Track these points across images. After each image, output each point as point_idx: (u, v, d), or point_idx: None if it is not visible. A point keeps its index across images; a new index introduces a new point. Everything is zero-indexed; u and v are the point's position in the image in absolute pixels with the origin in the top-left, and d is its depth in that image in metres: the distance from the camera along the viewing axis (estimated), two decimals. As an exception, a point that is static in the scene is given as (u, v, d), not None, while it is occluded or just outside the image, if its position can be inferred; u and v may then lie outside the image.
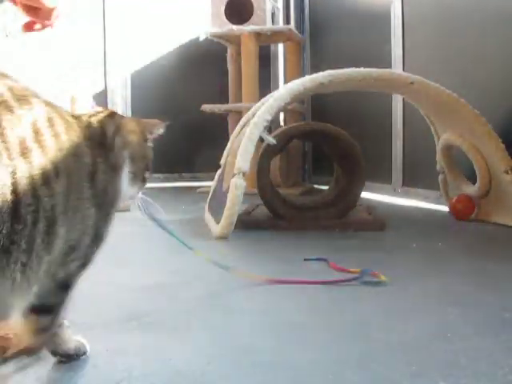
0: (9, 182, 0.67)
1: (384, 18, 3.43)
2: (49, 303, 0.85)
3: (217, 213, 2.22)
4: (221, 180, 2.46)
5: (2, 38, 4.18)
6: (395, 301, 1.31)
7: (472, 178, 2.55)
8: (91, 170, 0.83)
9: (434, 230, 2.35)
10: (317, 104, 4.37)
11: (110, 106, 4.49)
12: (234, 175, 2.07)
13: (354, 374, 0.88)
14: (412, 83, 2.29)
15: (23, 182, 0.69)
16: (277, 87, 4.61)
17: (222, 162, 2.67)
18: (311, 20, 4.54)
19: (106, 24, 4.47)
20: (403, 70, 3.24)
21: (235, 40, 3.96)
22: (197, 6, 4.66)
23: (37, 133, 0.73)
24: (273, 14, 4.03)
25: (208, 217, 2.40)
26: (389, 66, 3.31)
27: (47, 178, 0.72)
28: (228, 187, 2.10)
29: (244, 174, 2.07)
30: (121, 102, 4.55)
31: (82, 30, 4.42)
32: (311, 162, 4.60)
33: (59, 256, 0.78)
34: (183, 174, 4.40)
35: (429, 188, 3.09)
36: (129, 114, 4.55)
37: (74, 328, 1.11)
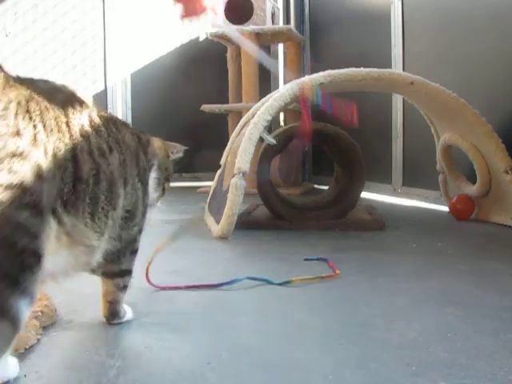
0: (69, 155, 0.86)
1: (384, 18, 3.43)
2: (125, 267, 1.10)
3: (217, 213, 2.22)
4: (221, 180, 2.46)
5: (2, 37, 4.18)
6: (395, 301, 1.31)
7: (472, 178, 2.55)
8: (136, 155, 1.05)
9: (434, 230, 2.35)
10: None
11: (110, 106, 4.49)
12: (234, 175, 2.07)
13: (353, 374, 0.88)
14: (412, 83, 2.29)
15: (83, 154, 0.89)
16: (277, 87, 4.61)
17: (222, 161, 2.67)
18: (311, 20, 4.54)
19: (106, 24, 4.47)
20: (403, 70, 3.24)
21: (235, 40, 3.96)
22: (197, 6, 4.66)
23: (92, 122, 0.94)
24: (273, 14, 4.03)
25: (208, 217, 2.40)
26: (389, 66, 3.31)
27: (103, 152, 0.93)
28: (228, 187, 2.10)
29: (244, 174, 2.07)
30: (121, 102, 4.56)
31: (82, 29, 4.42)
32: (311, 162, 4.60)
33: (121, 219, 1.00)
34: (183, 174, 4.40)
35: (429, 188, 3.09)
36: (129, 114, 4.56)
37: (74, 328, 1.11)
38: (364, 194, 2.62)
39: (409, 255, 1.82)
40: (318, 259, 1.65)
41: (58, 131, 0.86)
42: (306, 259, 1.66)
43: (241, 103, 3.91)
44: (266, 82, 4.45)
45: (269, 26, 3.90)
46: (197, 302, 1.30)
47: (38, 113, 0.84)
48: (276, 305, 1.28)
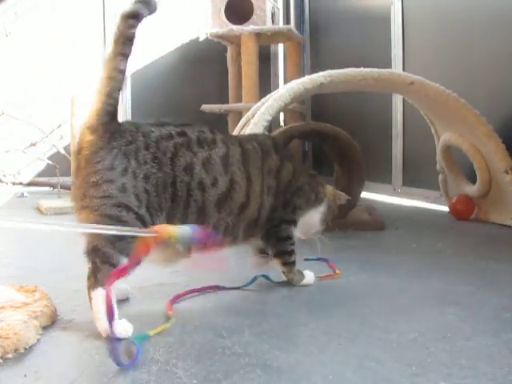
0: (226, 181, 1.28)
1: (384, 19, 3.43)
2: (283, 249, 1.42)
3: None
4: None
5: (2, 38, 4.18)
6: (395, 301, 1.31)
7: (472, 178, 2.55)
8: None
9: (434, 230, 2.35)
10: (317, 104, 4.37)
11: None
12: (234, 175, 2.07)
13: (354, 374, 0.88)
14: (412, 83, 2.29)
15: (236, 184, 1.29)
16: (277, 87, 4.60)
17: (222, 162, 2.66)
18: (311, 20, 4.54)
19: (106, 24, 4.46)
20: (403, 70, 3.24)
21: (235, 40, 3.96)
22: (197, 6, 4.66)
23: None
24: (273, 14, 4.03)
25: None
26: (389, 66, 3.31)
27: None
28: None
29: (244, 174, 2.06)
30: (121, 102, 4.55)
31: (81, 29, 4.42)
32: (311, 162, 4.60)
33: (248, 226, 1.34)
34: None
35: (429, 188, 3.09)
36: (129, 113, 4.56)
37: (74, 328, 1.11)
38: (364, 194, 2.62)
39: (409, 255, 1.82)
40: (318, 259, 1.65)
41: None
42: (305, 259, 1.66)
43: (241, 103, 3.91)
44: (266, 82, 4.45)
45: (269, 26, 3.90)
46: (197, 302, 1.30)
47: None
48: (276, 305, 1.28)
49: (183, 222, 1.19)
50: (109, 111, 1.17)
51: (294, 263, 1.43)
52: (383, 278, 1.51)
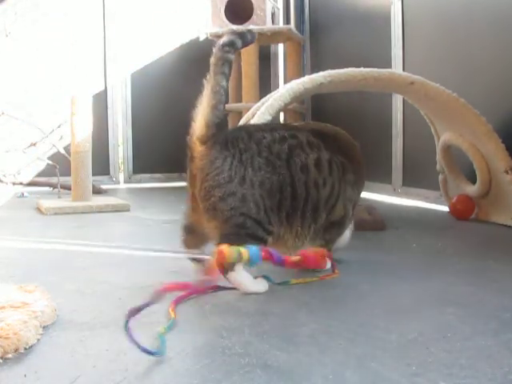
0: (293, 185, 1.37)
1: (384, 18, 3.43)
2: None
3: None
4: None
5: (2, 38, 4.18)
6: (395, 301, 1.31)
7: (472, 178, 2.55)
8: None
9: (434, 230, 2.35)
10: (317, 104, 4.37)
11: (110, 106, 4.49)
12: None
13: (354, 374, 0.88)
14: (412, 83, 2.29)
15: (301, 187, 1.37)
16: (277, 87, 4.61)
17: (222, 161, 2.66)
18: (311, 20, 4.54)
19: (106, 24, 4.46)
20: (403, 70, 3.24)
21: (235, 40, 3.96)
22: (197, 5, 4.66)
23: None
24: (273, 14, 4.03)
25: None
26: (389, 66, 3.31)
27: (317, 184, 1.38)
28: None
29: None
30: (121, 102, 4.55)
31: (81, 29, 4.42)
32: (311, 162, 4.60)
33: (329, 225, 1.47)
34: (183, 173, 4.38)
35: (429, 188, 3.09)
36: (129, 114, 4.56)
37: (74, 328, 1.11)
38: (364, 194, 2.62)
39: (409, 255, 1.82)
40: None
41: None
42: None
43: (241, 103, 3.91)
44: (266, 82, 4.45)
45: (269, 26, 3.90)
46: (197, 302, 1.30)
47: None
48: (276, 305, 1.28)
49: (302, 220, 1.37)
50: (216, 122, 1.31)
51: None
52: (383, 278, 1.51)
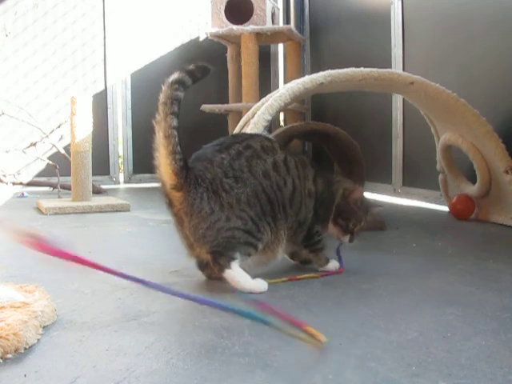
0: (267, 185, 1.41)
1: (384, 18, 3.43)
2: (313, 243, 1.54)
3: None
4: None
5: (2, 38, 4.18)
6: (395, 301, 1.31)
7: (472, 178, 2.55)
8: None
9: (434, 230, 2.35)
10: (317, 104, 4.37)
11: (110, 106, 4.49)
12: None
13: (353, 374, 0.88)
14: (412, 83, 2.29)
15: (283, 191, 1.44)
16: (277, 87, 4.61)
17: (222, 162, 2.66)
18: (311, 20, 4.54)
19: (106, 24, 4.46)
20: (403, 70, 3.24)
21: (235, 40, 3.96)
22: (197, 5, 4.66)
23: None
24: (273, 14, 4.03)
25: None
26: (389, 66, 3.31)
27: (279, 186, 1.43)
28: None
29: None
30: (121, 102, 4.55)
31: (82, 29, 4.42)
32: (311, 162, 4.60)
33: (297, 226, 1.48)
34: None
35: (429, 188, 3.09)
36: (129, 114, 4.56)
37: (74, 328, 1.11)
38: (364, 194, 2.62)
39: (409, 255, 1.82)
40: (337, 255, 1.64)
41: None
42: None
43: (241, 103, 3.91)
44: (266, 82, 4.45)
45: (269, 25, 3.90)
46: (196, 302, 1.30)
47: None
48: (276, 305, 1.28)
49: (285, 220, 1.43)
50: (181, 165, 1.32)
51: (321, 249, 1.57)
52: (383, 277, 1.51)
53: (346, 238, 1.57)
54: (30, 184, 3.86)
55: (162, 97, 1.35)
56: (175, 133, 1.32)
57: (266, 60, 4.57)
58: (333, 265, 1.56)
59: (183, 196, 1.34)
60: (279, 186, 1.42)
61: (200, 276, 1.48)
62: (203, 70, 1.42)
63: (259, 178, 1.39)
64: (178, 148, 1.32)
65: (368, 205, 1.62)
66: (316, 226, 1.53)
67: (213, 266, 1.37)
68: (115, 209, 2.93)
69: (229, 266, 1.34)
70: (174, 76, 1.36)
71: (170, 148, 1.31)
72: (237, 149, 1.41)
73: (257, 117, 2.13)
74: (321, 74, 2.20)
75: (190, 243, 1.40)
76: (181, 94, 1.35)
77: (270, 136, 2.21)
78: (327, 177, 1.60)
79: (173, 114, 1.33)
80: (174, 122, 1.33)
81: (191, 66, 1.39)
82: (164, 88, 1.35)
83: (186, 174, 1.33)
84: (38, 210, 2.95)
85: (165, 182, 1.36)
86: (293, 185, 1.46)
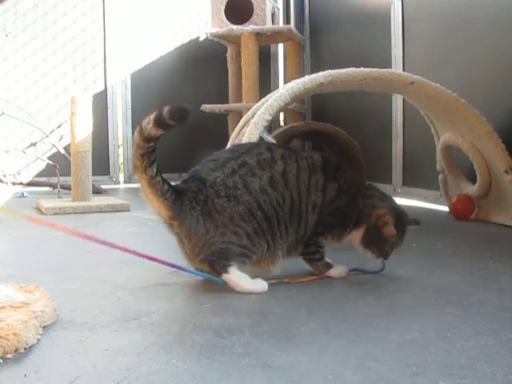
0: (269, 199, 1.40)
1: (384, 18, 3.43)
2: (308, 252, 1.51)
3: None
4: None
5: (2, 38, 4.18)
6: (395, 301, 1.31)
7: (472, 178, 2.55)
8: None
9: (434, 230, 2.34)
10: (317, 104, 4.37)
11: (110, 106, 4.49)
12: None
13: (354, 374, 0.88)
14: (412, 83, 2.29)
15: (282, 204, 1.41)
16: (277, 87, 4.61)
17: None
18: (311, 20, 4.54)
19: (106, 24, 4.47)
20: (403, 70, 3.24)
21: (235, 40, 3.96)
22: (197, 5, 4.66)
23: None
24: (273, 14, 4.03)
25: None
26: (389, 66, 3.31)
27: (279, 203, 1.40)
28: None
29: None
30: (121, 102, 4.55)
31: (82, 29, 4.42)
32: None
33: (296, 242, 1.46)
34: (183, 173, 4.38)
35: (429, 188, 3.09)
36: (129, 114, 4.56)
37: (74, 328, 1.11)
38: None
39: (409, 255, 1.82)
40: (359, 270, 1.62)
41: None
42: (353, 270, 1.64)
43: (241, 103, 3.91)
44: (266, 82, 4.45)
45: (269, 25, 3.90)
46: (196, 302, 1.30)
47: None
48: (276, 305, 1.28)
49: (285, 239, 1.42)
50: (173, 199, 1.34)
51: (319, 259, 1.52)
52: (383, 277, 1.51)
53: (380, 260, 1.51)
54: (30, 184, 3.86)
55: (136, 145, 1.32)
56: (158, 178, 1.33)
57: (266, 60, 4.57)
58: (336, 271, 1.51)
59: (180, 223, 1.36)
60: (279, 203, 1.40)
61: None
62: (180, 114, 1.36)
63: (254, 194, 1.37)
64: (165, 187, 1.34)
65: (406, 223, 1.54)
66: (316, 237, 1.47)
67: (210, 272, 1.38)
68: (115, 209, 2.93)
69: (226, 271, 1.35)
70: (145, 130, 1.30)
71: (158, 193, 1.34)
72: (231, 167, 1.39)
73: (257, 117, 2.13)
74: (321, 74, 2.20)
75: (191, 258, 1.41)
76: (154, 145, 1.32)
77: (272, 138, 2.22)
78: (350, 183, 1.50)
79: (151, 164, 1.33)
80: (154, 170, 1.33)
81: (165, 111, 1.33)
82: (136, 139, 1.31)
83: (180, 204, 1.34)
84: (38, 210, 2.95)
85: (161, 214, 1.38)
86: (291, 200, 1.41)
